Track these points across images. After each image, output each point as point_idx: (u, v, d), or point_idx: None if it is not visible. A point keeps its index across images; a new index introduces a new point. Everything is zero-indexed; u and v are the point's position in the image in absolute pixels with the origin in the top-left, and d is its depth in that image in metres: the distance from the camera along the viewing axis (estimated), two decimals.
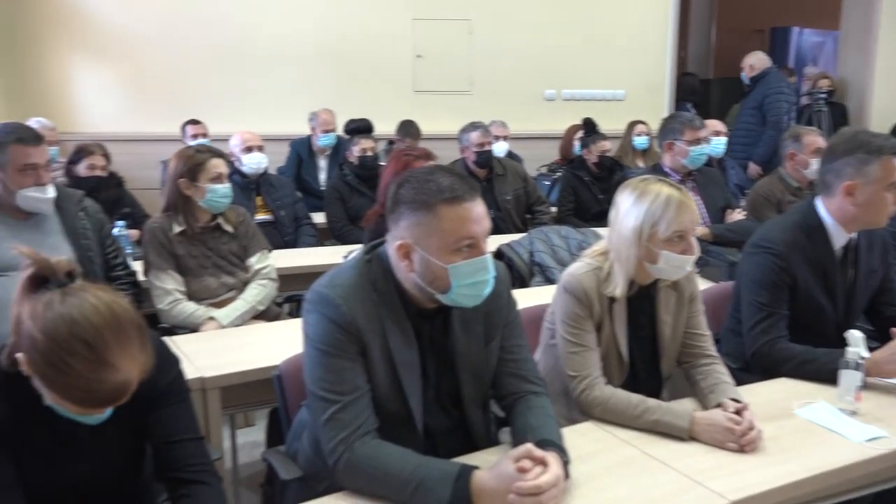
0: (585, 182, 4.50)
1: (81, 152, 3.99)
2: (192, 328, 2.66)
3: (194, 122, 5.16)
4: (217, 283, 2.81)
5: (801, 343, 2.05)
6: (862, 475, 1.63)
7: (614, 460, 1.60)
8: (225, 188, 2.79)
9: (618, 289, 1.84)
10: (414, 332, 1.54)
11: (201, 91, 5.80)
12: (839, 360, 1.82)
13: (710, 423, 1.66)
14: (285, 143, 5.22)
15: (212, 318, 2.69)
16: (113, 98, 5.75)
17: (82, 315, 1.22)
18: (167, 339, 1.63)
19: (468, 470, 1.38)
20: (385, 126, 5.40)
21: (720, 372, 1.88)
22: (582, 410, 1.81)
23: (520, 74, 6.41)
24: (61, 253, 2.12)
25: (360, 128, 5.09)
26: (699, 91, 7.21)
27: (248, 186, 3.95)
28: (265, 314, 2.87)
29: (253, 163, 3.95)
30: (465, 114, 4.99)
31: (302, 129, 5.31)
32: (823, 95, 6.05)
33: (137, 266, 2.82)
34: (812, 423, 1.75)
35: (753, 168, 5.32)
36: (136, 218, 3.96)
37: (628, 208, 1.83)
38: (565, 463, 1.46)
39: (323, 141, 5.03)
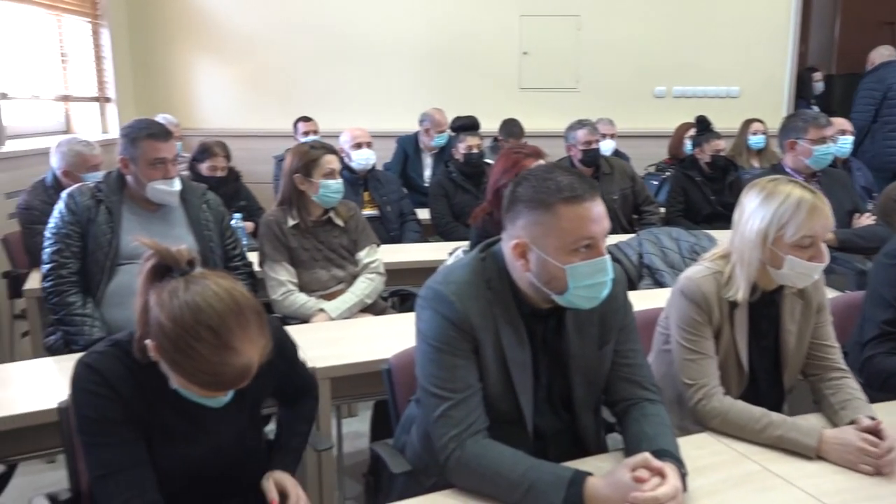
0: (697, 182, 4.33)
1: (206, 153, 4.15)
2: (303, 319, 2.74)
3: (305, 119, 5.34)
4: (327, 275, 2.88)
5: None
6: None
7: (734, 475, 1.52)
8: (337, 184, 2.86)
9: (740, 292, 1.75)
10: (527, 331, 1.52)
11: (312, 89, 6.01)
12: None
13: (840, 443, 1.55)
14: (391, 140, 5.30)
15: (321, 310, 2.76)
16: (230, 96, 6.05)
17: (206, 302, 1.27)
18: None
19: (582, 476, 1.35)
20: (490, 123, 5.38)
21: (852, 387, 1.76)
22: (697, 420, 1.73)
23: (628, 71, 6.27)
24: (185, 243, 2.20)
25: (466, 125, 5.09)
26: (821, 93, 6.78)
27: (356, 182, 4.03)
28: (372, 308, 2.92)
29: (362, 159, 4.02)
30: (571, 111, 4.92)
31: (408, 125, 5.37)
32: None
33: (252, 257, 2.93)
34: None
35: None
36: (251, 210, 4.13)
37: (754, 209, 1.74)
38: (683, 475, 1.40)
39: (437, 141, 5.05)
